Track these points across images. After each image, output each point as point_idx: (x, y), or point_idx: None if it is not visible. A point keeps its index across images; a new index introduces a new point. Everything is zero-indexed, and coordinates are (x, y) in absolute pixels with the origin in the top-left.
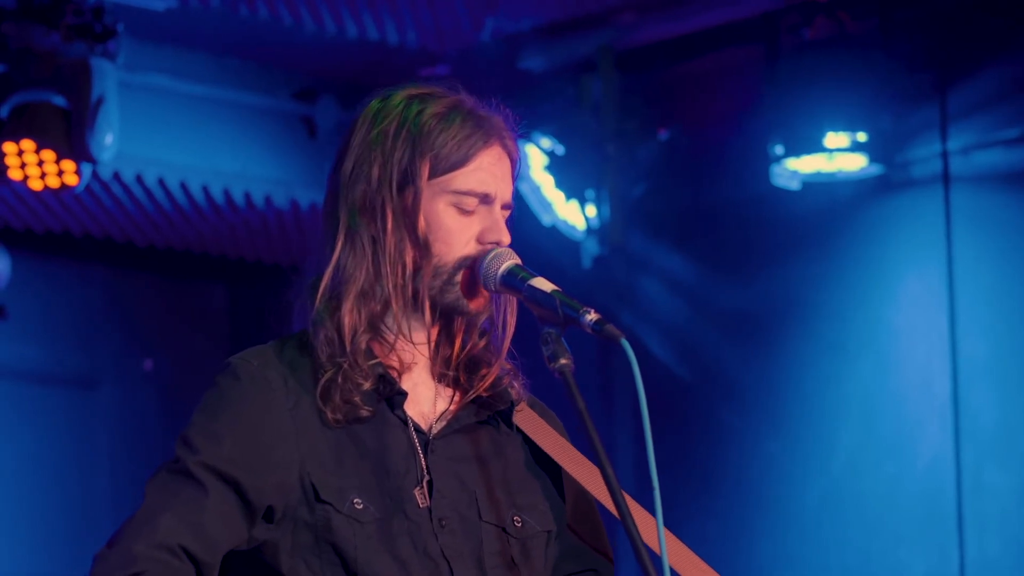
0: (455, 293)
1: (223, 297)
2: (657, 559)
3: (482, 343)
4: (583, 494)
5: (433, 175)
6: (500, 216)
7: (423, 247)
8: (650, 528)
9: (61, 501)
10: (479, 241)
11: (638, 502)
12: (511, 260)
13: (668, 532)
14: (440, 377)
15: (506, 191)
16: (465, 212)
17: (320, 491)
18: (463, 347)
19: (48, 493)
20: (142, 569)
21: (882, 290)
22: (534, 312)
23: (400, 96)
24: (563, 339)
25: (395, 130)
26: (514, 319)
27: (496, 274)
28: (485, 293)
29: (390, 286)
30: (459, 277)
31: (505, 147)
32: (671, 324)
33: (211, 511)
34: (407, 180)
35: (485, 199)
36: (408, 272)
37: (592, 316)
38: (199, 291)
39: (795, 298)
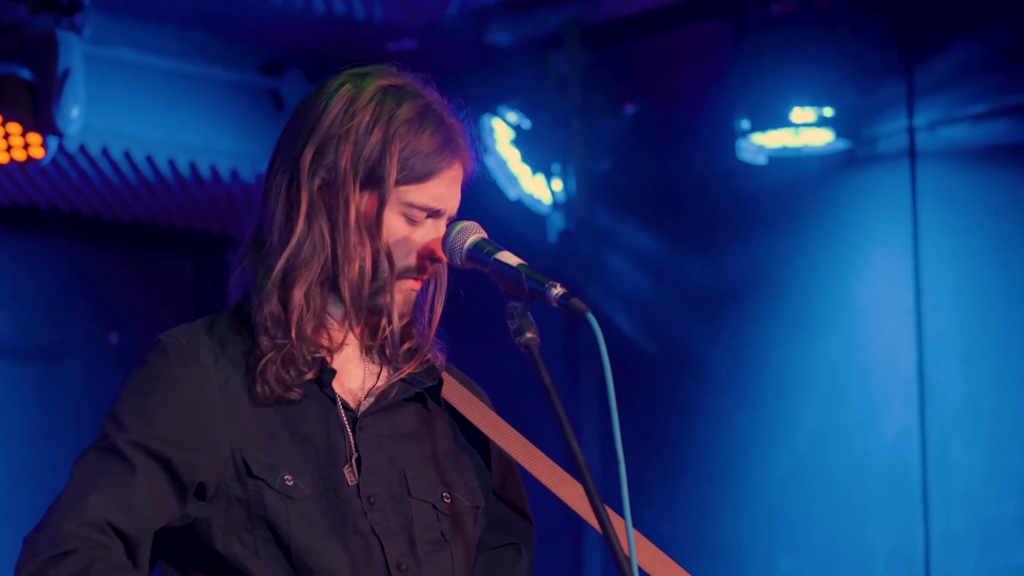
0: (387, 299)
1: (189, 271)
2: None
3: (406, 320)
4: (509, 463)
5: (396, 183)
6: (443, 229)
7: (382, 253)
8: (615, 518)
9: (26, 474)
10: (420, 254)
11: (604, 478)
12: (477, 234)
13: (608, 509)
14: (367, 351)
15: (455, 206)
16: (412, 223)
17: (252, 467)
18: (389, 324)
19: (13, 466)
20: (71, 548)
21: (848, 265)
22: (500, 286)
23: (374, 86)
24: (529, 313)
25: (367, 125)
26: (443, 296)
27: (462, 247)
28: (413, 300)
29: (344, 284)
30: (397, 286)
31: (464, 164)
32: (637, 299)
33: (140, 489)
34: (372, 182)
35: (435, 214)
36: (365, 273)
37: (558, 290)
38: (165, 265)
39: (761, 273)
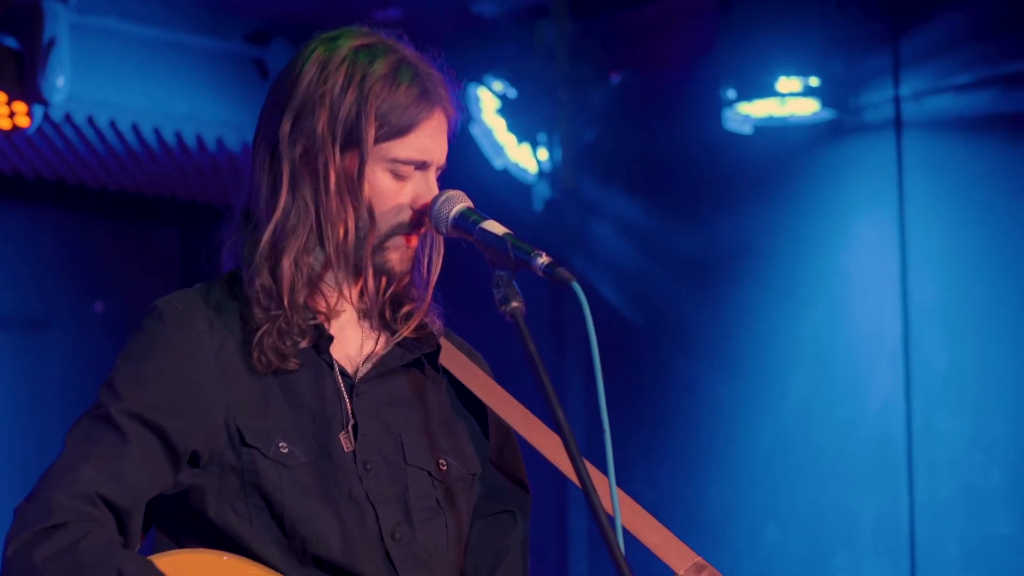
0: (384, 258)
1: (174, 240)
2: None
3: (405, 279)
4: (506, 430)
5: (376, 141)
6: (433, 181)
7: (365, 212)
8: (601, 480)
9: (11, 443)
10: (412, 207)
11: (589, 446)
12: (463, 203)
13: (602, 476)
14: (365, 316)
15: (442, 155)
16: (400, 178)
17: (246, 435)
18: (388, 286)
19: None
20: (61, 520)
21: (834, 235)
22: (485, 255)
23: (345, 48)
24: (514, 282)
25: (341, 87)
26: (440, 258)
27: (448, 217)
28: (412, 256)
29: (331, 249)
30: (390, 243)
31: (446, 112)
32: (622, 268)
33: (133, 459)
34: (351, 143)
35: (422, 166)
36: (350, 235)
37: (543, 259)
38: (150, 233)
39: (747, 243)
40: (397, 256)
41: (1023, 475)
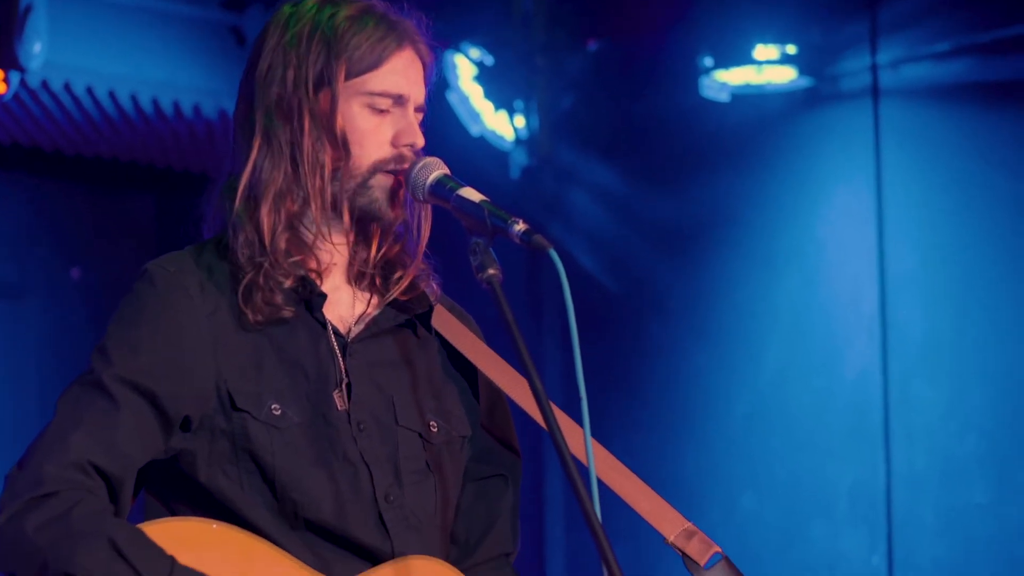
0: (369, 197)
1: (151, 206)
2: (584, 469)
3: (397, 247)
4: (497, 393)
5: (348, 77)
6: (414, 118)
7: (341, 148)
8: (577, 439)
9: None
10: (393, 144)
11: (566, 413)
12: (439, 170)
13: (595, 442)
14: (357, 280)
15: (419, 94)
16: (379, 113)
17: (236, 399)
18: (379, 250)
19: None
20: (53, 490)
21: (811, 203)
22: (462, 222)
23: (311, 2)
24: (491, 249)
25: (308, 33)
26: (429, 223)
27: (424, 184)
28: (401, 200)
29: (309, 187)
30: (374, 181)
31: (417, 51)
32: (599, 236)
33: (124, 426)
34: (323, 82)
35: (399, 100)
36: (326, 174)
37: (520, 226)
38: (127, 200)
39: (723, 211)
40: (384, 196)
41: (1000, 444)
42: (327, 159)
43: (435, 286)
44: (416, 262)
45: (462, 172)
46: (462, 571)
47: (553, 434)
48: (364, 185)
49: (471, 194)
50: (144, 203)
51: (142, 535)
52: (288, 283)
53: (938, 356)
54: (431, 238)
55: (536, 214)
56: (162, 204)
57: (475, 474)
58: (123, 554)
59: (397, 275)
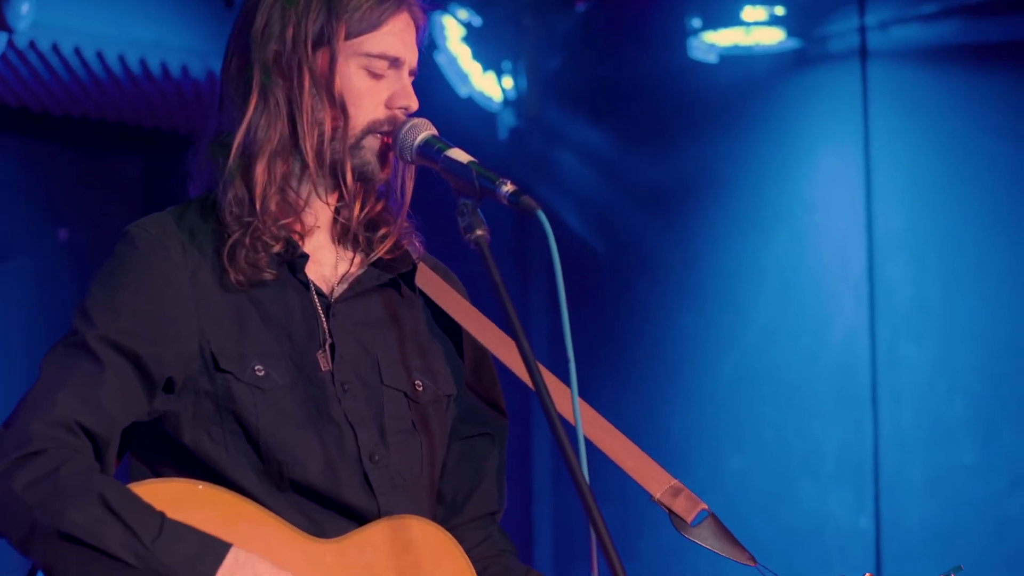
0: (361, 158)
1: (138, 167)
2: (571, 429)
3: (380, 205)
4: (483, 353)
5: (347, 37)
6: (408, 82)
7: (339, 108)
8: (564, 399)
9: None
10: (388, 106)
11: (553, 374)
12: (428, 131)
13: (583, 403)
14: (340, 239)
15: (413, 57)
16: (375, 76)
17: (220, 360)
18: (363, 209)
19: None
20: (40, 448)
21: (798, 165)
22: (450, 183)
23: None
24: (479, 210)
25: None
26: (412, 182)
27: (412, 144)
28: (391, 161)
29: (306, 147)
30: (366, 142)
31: (413, 14)
32: (587, 197)
33: (109, 385)
34: (322, 40)
35: (395, 63)
36: (325, 134)
37: (508, 187)
38: (114, 161)
39: (711, 172)
40: (374, 157)
41: (987, 405)
42: (326, 119)
43: (418, 244)
44: (400, 220)
45: (450, 133)
46: (449, 530)
47: (540, 394)
48: (357, 146)
49: (459, 155)
50: (132, 164)
51: (130, 492)
52: (277, 247)
53: (926, 317)
54: (419, 199)
55: (524, 175)
56: (150, 165)
57: (461, 433)
58: (113, 510)
59: (381, 233)
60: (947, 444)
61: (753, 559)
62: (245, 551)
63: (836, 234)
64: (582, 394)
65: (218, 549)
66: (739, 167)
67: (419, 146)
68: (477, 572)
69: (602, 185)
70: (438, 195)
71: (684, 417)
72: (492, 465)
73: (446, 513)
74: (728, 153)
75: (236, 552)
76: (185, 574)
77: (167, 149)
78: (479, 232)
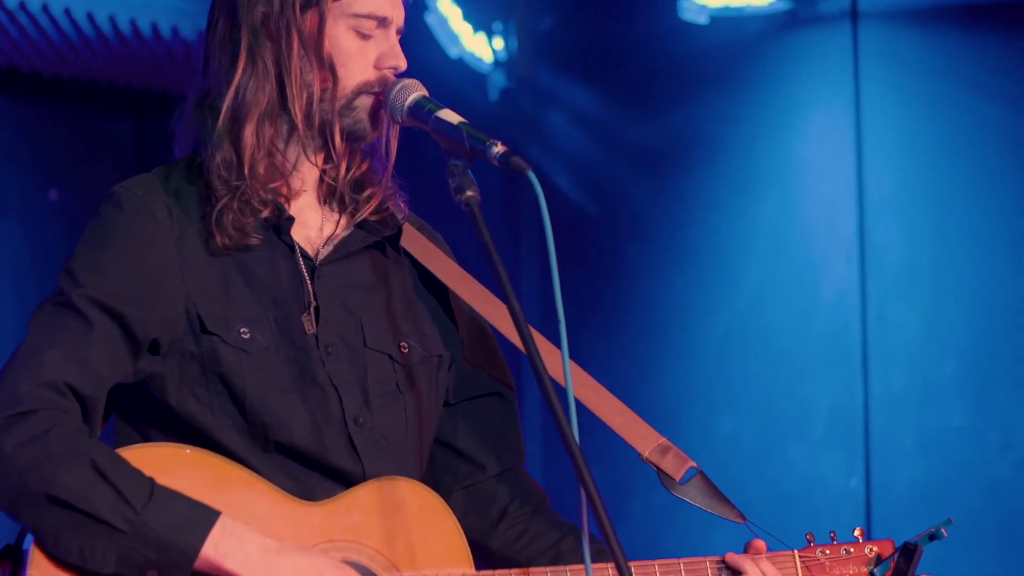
0: (354, 118)
1: (129, 128)
2: (562, 391)
3: (365, 164)
4: (476, 321)
5: None
6: (396, 41)
7: (328, 70)
8: (554, 360)
9: None
10: (377, 66)
11: (543, 335)
12: (418, 92)
13: (574, 364)
14: (326, 201)
15: (400, 16)
16: (363, 36)
17: (206, 322)
18: (349, 169)
19: None
20: (29, 408)
21: (789, 126)
22: (441, 144)
23: None
24: (470, 171)
25: None
26: (396, 141)
27: (403, 105)
28: (382, 120)
29: (297, 109)
30: (358, 102)
31: None
32: (578, 158)
33: (96, 345)
34: (310, 2)
35: (383, 23)
36: (314, 95)
37: (499, 148)
38: (105, 122)
39: (702, 133)
40: (367, 117)
41: (977, 366)
42: (314, 81)
43: (402, 204)
44: (385, 180)
45: (440, 94)
46: (473, 487)
47: (530, 353)
48: (349, 107)
49: (449, 116)
50: (122, 125)
51: (119, 457)
52: (266, 212)
53: (916, 279)
54: (409, 161)
55: (514, 136)
56: (140, 126)
57: (466, 395)
58: (104, 475)
59: (366, 194)
60: (938, 406)
61: (742, 516)
62: (233, 520)
63: (827, 196)
64: (572, 355)
65: (207, 517)
66: (730, 129)
67: (410, 107)
68: (516, 532)
69: (593, 146)
70: (428, 157)
71: (675, 378)
72: (509, 419)
73: (468, 470)
74: (719, 115)
75: (224, 520)
76: (174, 540)
77: (157, 110)
78: (469, 193)
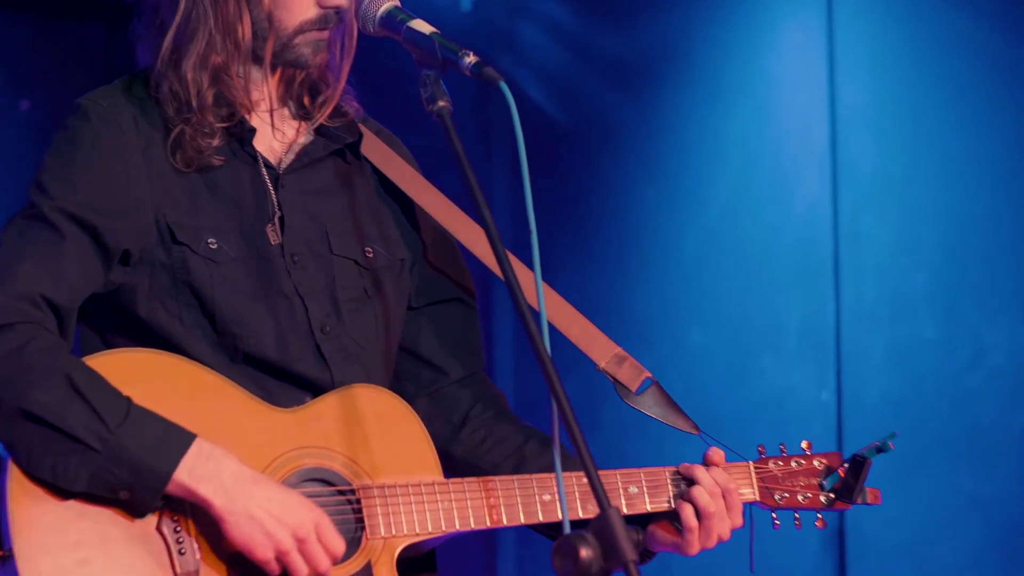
0: (296, 53)
1: (100, 37)
2: (536, 314)
3: (322, 65)
4: (437, 228)
5: None
6: None
7: (262, 12)
8: (524, 271)
9: None
10: (320, 5)
11: (515, 248)
12: (390, 2)
13: (526, 269)
14: (284, 103)
15: None
16: None
17: (176, 232)
18: (305, 73)
19: None
20: (7, 321)
21: (761, 37)
22: (413, 54)
23: None
24: (441, 81)
25: None
26: (353, 43)
27: (375, 15)
28: (326, 46)
29: (231, 47)
30: (300, 39)
31: None
32: (550, 69)
33: (69, 256)
34: None
35: None
36: (247, 36)
37: (471, 59)
38: (76, 31)
39: (674, 45)
40: (309, 50)
41: (949, 279)
42: (247, 23)
43: (356, 104)
44: (340, 82)
45: (412, 4)
46: (436, 392)
47: (501, 264)
48: (289, 45)
49: (421, 26)
50: (93, 34)
51: (97, 374)
52: (216, 141)
53: (888, 191)
54: (379, 71)
55: (487, 47)
56: (111, 34)
57: (428, 300)
58: (80, 392)
59: (322, 97)
60: (908, 318)
61: (697, 427)
62: (210, 444)
63: (798, 107)
64: (544, 268)
65: (183, 439)
66: (701, 41)
67: (382, 17)
68: (479, 437)
69: (565, 58)
70: (400, 68)
71: (646, 290)
72: (470, 325)
73: (431, 376)
74: (690, 26)
75: (200, 443)
76: (148, 461)
77: (129, 18)
78: (441, 103)
